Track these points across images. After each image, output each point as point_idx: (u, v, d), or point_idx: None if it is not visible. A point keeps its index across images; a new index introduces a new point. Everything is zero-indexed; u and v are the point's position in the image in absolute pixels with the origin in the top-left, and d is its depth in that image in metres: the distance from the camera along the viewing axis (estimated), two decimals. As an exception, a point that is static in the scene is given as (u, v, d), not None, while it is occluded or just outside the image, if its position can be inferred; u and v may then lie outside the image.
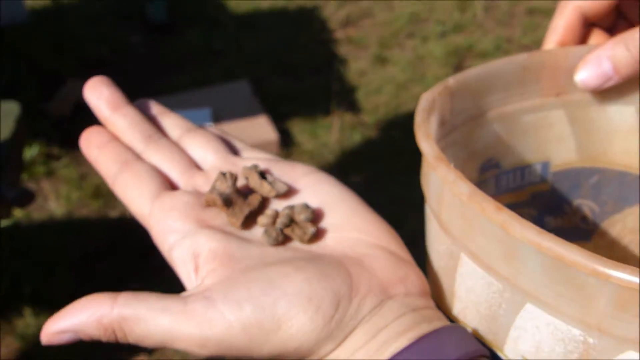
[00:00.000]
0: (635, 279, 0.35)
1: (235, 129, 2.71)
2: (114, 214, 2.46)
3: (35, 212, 2.38)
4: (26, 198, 1.85)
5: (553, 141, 0.59)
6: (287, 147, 2.75)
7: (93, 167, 0.52)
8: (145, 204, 0.51)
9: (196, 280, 0.46)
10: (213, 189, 0.48)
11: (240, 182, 0.49)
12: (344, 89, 3.00)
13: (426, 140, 0.45)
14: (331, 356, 0.45)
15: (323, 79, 3.05)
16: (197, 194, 0.50)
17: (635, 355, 0.41)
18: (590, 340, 0.40)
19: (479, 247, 0.44)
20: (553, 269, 0.39)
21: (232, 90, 2.95)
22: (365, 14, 3.52)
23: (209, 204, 0.48)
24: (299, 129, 2.83)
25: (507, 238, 0.40)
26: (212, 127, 0.57)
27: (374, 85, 3.02)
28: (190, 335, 0.43)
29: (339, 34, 3.37)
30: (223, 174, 0.48)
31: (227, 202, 0.47)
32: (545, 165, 0.57)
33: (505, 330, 0.45)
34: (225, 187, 0.48)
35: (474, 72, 0.56)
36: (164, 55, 3.27)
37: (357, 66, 3.14)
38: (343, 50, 3.26)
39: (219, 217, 0.48)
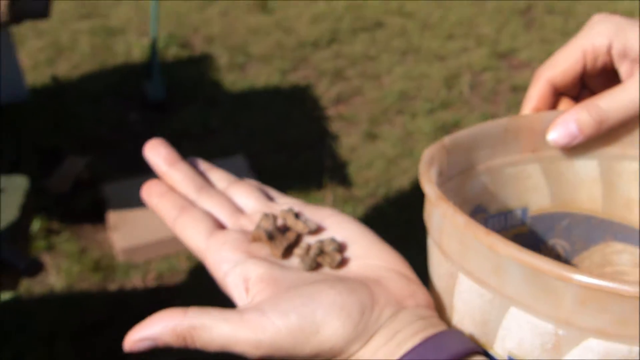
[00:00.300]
0: (591, 280, 0.44)
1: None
2: (113, 287, 2.47)
3: (36, 286, 2.41)
4: (36, 268, 1.91)
5: (530, 190, 0.68)
6: None
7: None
8: (201, 241, 0.60)
9: (247, 299, 0.54)
10: (258, 227, 0.56)
11: (279, 222, 0.58)
12: (336, 164, 3.05)
13: (429, 184, 0.54)
14: (357, 355, 0.53)
15: (316, 155, 3.10)
16: (243, 232, 0.59)
17: (594, 341, 0.50)
18: (560, 332, 0.48)
19: (473, 266, 0.52)
20: (531, 277, 0.47)
21: (228, 166, 2.91)
22: (356, 91, 3.61)
23: (255, 239, 0.57)
24: (293, 202, 2.83)
25: (494, 256, 0.49)
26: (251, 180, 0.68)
27: (365, 160, 3.07)
28: (247, 339, 0.52)
29: (331, 111, 3.44)
30: (266, 215, 0.57)
31: (270, 237, 0.56)
32: (525, 210, 0.66)
33: (495, 331, 0.54)
34: (268, 225, 0.57)
35: (465, 132, 0.64)
36: (162, 132, 3.25)
37: (349, 142, 3.19)
38: (335, 126, 3.33)
39: (263, 249, 0.57)
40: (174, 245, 2.70)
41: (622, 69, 0.71)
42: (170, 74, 3.66)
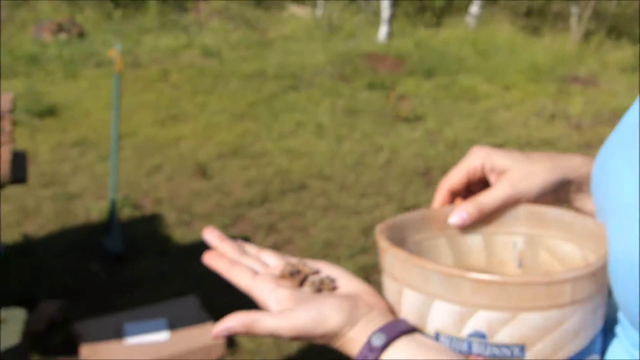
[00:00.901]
0: (476, 276, 0.69)
1: (187, 335, 2.91)
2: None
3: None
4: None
5: (441, 256, 0.88)
6: (231, 347, 2.99)
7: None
8: (248, 281, 0.80)
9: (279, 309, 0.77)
10: (284, 269, 0.80)
11: (294, 268, 0.81)
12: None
13: (383, 240, 0.78)
14: (347, 335, 0.76)
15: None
16: (272, 274, 0.81)
17: (482, 312, 0.75)
18: (464, 310, 0.72)
19: (412, 281, 0.76)
20: (444, 279, 0.72)
21: (182, 305, 3.11)
22: (287, 242, 3.90)
23: (282, 277, 0.79)
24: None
25: (423, 271, 0.73)
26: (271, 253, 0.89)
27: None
28: (285, 326, 0.74)
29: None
30: (287, 263, 0.81)
31: (291, 274, 0.79)
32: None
33: (426, 318, 0.77)
34: (289, 268, 0.80)
35: (399, 218, 0.87)
36: (121, 280, 3.49)
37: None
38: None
39: (286, 282, 0.79)
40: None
41: (492, 178, 0.92)
42: (126, 231, 3.82)
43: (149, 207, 4.31)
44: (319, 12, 9.46)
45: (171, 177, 4.73)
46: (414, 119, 5.80)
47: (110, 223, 3.78)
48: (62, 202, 4.34)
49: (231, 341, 3.10)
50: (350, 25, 8.87)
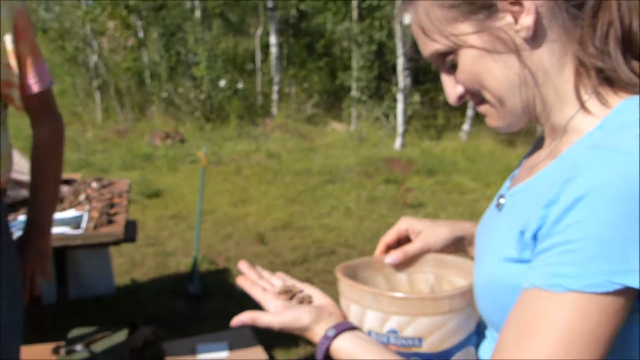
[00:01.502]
0: (390, 294, 0.80)
1: (241, 354, 2.90)
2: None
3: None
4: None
5: (379, 286, 0.96)
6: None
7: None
8: (259, 295, 0.89)
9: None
10: (281, 290, 0.91)
11: (288, 288, 0.91)
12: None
13: (338, 273, 0.89)
14: (315, 330, 0.84)
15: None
16: (274, 291, 0.91)
17: (396, 318, 0.82)
18: (384, 315, 0.82)
19: (355, 298, 0.86)
20: (372, 296, 0.83)
21: (239, 333, 3.07)
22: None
23: (280, 293, 0.90)
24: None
25: (360, 292, 0.84)
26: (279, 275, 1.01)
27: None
28: (275, 321, 0.84)
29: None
30: (283, 286, 0.92)
31: (285, 292, 0.91)
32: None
33: (363, 321, 0.86)
34: (284, 289, 0.91)
35: (352, 262, 0.97)
36: (199, 314, 3.52)
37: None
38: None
39: (282, 297, 0.89)
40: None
41: (412, 237, 1.01)
42: (203, 279, 3.89)
43: (221, 263, 4.35)
44: (352, 127, 9.61)
45: (238, 242, 4.77)
46: (417, 205, 5.82)
47: (193, 273, 3.84)
48: (161, 258, 4.43)
49: (272, 359, 3.07)
50: (374, 137, 8.94)
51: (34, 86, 1.58)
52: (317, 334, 0.84)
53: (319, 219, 5.36)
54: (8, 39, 1.50)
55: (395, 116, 9.10)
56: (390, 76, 10.03)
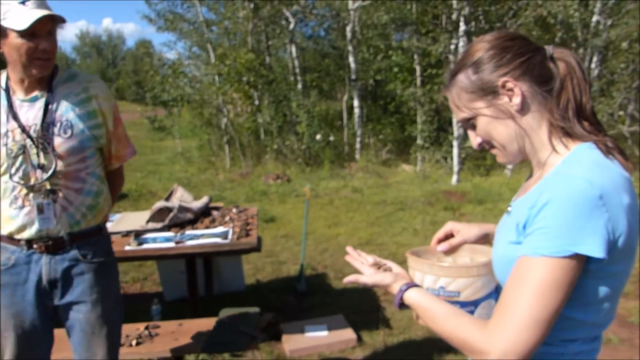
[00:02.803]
0: (439, 264, 1.01)
1: (336, 334, 2.97)
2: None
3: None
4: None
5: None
6: (359, 341, 2.99)
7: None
8: (359, 265, 1.02)
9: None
10: (372, 263, 1.04)
11: (377, 261, 1.06)
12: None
13: (408, 253, 1.05)
14: (393, 286, 0.97)
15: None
16: (369, 263, 1.04)
17: (444, 279, 0.98)
18: (435, 278, 0.99)
19: (416, 267, 1.03)
20: (428, 266, 1.00)
21: (335, 319, 3.17)
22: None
23: (371, 265, 1.03)
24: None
25: (420, 262, 1.01)
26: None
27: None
28: (369, 281, 1.00)
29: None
30: (374, 260, 1.05)
31: (375, 264, 1.03)
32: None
33: (422, 282, 1.00)
34: (374, 262, 1.04)
35: (416, 248, 1.10)
36: (304, 305, 3.65)
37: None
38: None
39: (373, 267, 1.01)
40: (328, 347, 2.91)
41: (455, 233, 1.13)
42: (307, 281, 3.99)
43: (320, 269, 4.43)
44: (418, 168, 9.57)
45: (332, 254, 4.82)
46: (470, 227, 5.71)
47: (300, 276, 3.96)
48: (276, 265, 4.56)
49: (360, 337, 3.14)
50: (435, 175, 8.84)
51: (129, 155, 1.82)
52: (395, 288, 1.00)
53: (393, 237, 5.35)
54: (110, 124, 1.70)
55: (452, 158, 9.06)
56: (448, 127, 10.02)
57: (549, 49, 0.93)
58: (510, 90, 0.90)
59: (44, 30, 1.52)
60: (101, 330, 1.71)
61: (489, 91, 0.91)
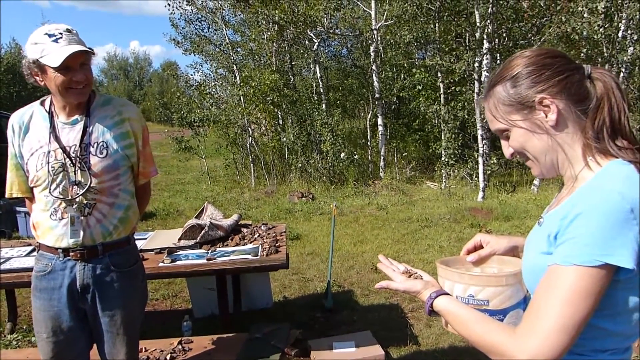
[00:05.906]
0: (468, 273, 1.05)
1: (363, 350, 2.94)
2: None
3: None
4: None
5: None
6: (387, 357, 2.98)
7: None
8: (391, 273, 1.06)
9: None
10: (404, 271, 1.08)
11: (407, 270, 1.13)
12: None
13: (438, 262, 1.09)
14: (423, 293, 1.01)
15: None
16: (400, 271, 1.08)
17: (473, 287, 1.01)
18: (465, 286, 1.02)
19: (446, 276, 1.06)
20: (457, 275, 1.03)
21: (362, 336, 3.12)
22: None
23: (402, 273, 1.07)
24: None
25: (449, 272, 1.05)
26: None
27: None
28: (400, 287, 1.05)
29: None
30: (405, 268, 1.10)
31: (406, 272, 1.08)
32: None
33: (452, 290, 1.03)
34: (405, 270, 1.08)
35: (446, 258, 1.11)
36: (332, 321, 3.61)
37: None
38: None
39: (404, 275, 1.05)
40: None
41: (484, 245, 1.15)
42: (334, 297, 3.99)
43: (346, 286, 4.43)
44: (443, 185, 9.52)
45: (358, 271, 4.82)
46: (497, 244, 5.63)
47: (327, 293, 3.98)
48: (303, 282, 4.58)
49: (388, 354, 3.13)
50: (460, 192, 8.77)
51: (153, 172, 1.96)
52: (425, 295, 1.03)
53: (419, 255, 5.31)
54: (140, 143, 1.85)
55: (477, 175, 8.99)
56: (472, 144, 9.96)
57: (588, 68, 0.95)
58: (547, 106, 0.93)
59: (76, 63, 1.67)
60: (126, 331, 1.83)
61: (525, 105, 0.94)
